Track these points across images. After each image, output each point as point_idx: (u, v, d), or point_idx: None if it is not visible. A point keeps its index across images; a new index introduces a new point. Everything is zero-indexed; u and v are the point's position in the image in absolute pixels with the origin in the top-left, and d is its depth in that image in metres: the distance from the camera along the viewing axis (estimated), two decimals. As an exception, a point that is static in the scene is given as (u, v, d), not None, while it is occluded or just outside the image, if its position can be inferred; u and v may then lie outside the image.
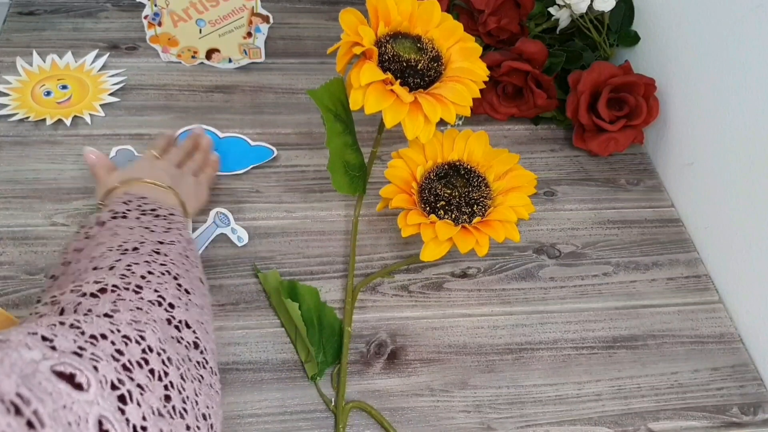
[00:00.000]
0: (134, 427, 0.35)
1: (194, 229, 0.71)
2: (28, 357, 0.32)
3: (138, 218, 0.55)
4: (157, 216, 0.56)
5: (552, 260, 0.74)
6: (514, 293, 0.71)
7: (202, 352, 0.46)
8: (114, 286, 0.44)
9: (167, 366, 0.40)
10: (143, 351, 0.39)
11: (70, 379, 0.33)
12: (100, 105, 0.82)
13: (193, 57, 0.88)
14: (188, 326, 0.46)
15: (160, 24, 0.84)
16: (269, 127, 0.83)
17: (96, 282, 0.44)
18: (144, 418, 0.35)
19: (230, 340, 0.65)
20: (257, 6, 0.82)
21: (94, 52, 0.87)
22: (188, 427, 0.40)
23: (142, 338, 0.40)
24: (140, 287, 0.45)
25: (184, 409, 0.40)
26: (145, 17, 0.83)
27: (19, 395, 0.30)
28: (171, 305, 0.46)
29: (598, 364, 0.67)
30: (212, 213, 0.73)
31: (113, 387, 0.35)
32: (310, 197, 0.77)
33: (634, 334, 0.69)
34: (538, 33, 0.88)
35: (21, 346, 0.33)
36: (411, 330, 0.67)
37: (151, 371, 0.39)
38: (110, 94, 0.83)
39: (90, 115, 0.80)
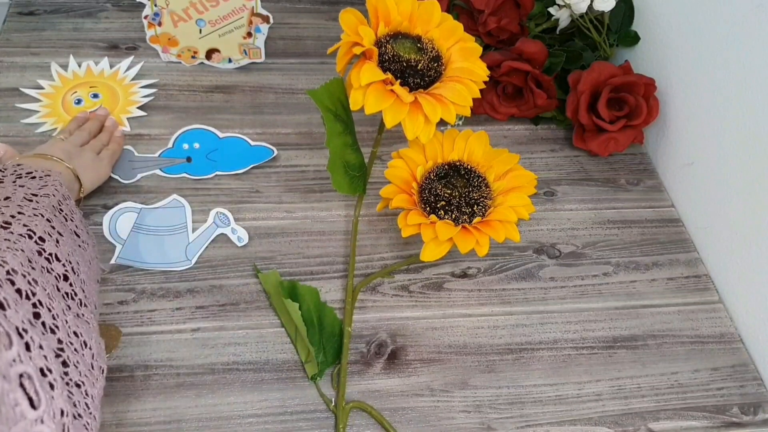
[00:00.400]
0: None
1: (194, 229, 0.71)
2: None
3: (14, 182, 0.56)
4: (33, 177, 0.57)
5: (552, 260, 0.74)
6: (514, 293, 0.71)
7: (71, 284, 0.48)
8: None
9: (33, 286, 0.42)
10: (8, 273, 0.41)
11: None
12: (128, 118, 0.81)
13: (193, 57, 0.88)
14: (58, 259, 0.48)
15: (160, 24, 0.84)
16: (269, 127, 0.83)
17: None
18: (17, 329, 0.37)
19: (230, 340, 0.65)
20: (257, 6, 0.82)
21: (129, 59, 0.87)
22: (60, 341, 0.42)
23: (4, 261, 0.42)
24: (8, 223, 0.47)
25: (55, 326, 0.42)
26: (145, 17, 0.83)
27: None
28: (41, 239, 0.48)
29: (598, 364, 0.67)
30: (212, 213, 0.73)
31: None
32: (310, 197, 0.77)
33: (634, 334, 0.69)
34: (538, 33, 0.88)
35: None
36: (411, 330, 0.67)
37: (18, 290, 0.40)
38: (139, 107, 0.82)
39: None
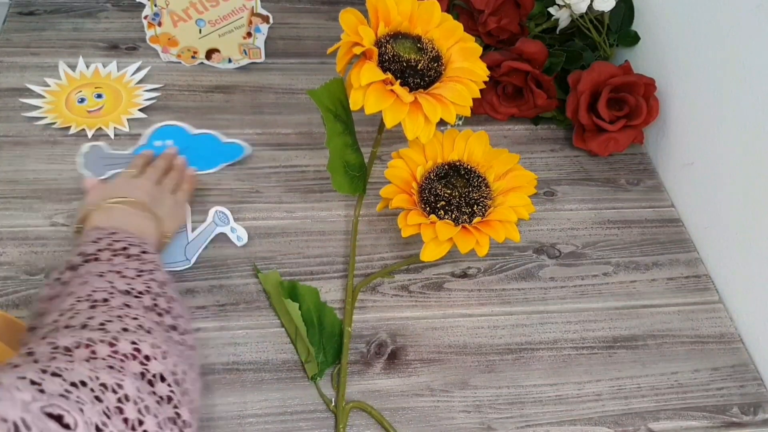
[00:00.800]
0: None
1: (194, 228, 0.71)
2: (19, 398, 0.34)
3: (110, 260, 0.53)
4: (129, 257, 0.54)
5: (552, 260, 0.74)
6: (514, 293, 0.71)
7: (175, 407, 0.45)
8: (89, 339, 0.44)
9: (143, 415, 0.41)
10: (119, 400, 0.40)
11: (58, 419, 0.35)
12: (128, 119, 0.81)
13: (192, 57, 0.88)
14: (163, 379, 0.45)
15: (159, 24, 0.84)
16: (269, 127, 0.83)
17: (71, 336, 0.44)
18: None
19: (230, 341, 0.65)
20: (257, 6, 0.82)
21: (137, 63, 0.87)
22: None
23: (120, 386, 0.41)
24: (116, 339, 0.45)
25: None
26: (145, 17, 0.83)
27: (23, 420, 0.33)
28: (147, 357, 0.45)
29: (598, 364, 0.67)
30: (211, 212, 0.72)
31: (97, 429, 0.37)
32: (310, 197, 0.77)
33: (634, 334, 0.69)
34: (538, 33, 0.88)
35: (12, 388, 0.35)
36: (411, 330, 0.67)
37: (125, 420, 0.39)
38: (140, 110, 0.82)
39: (114, 128, 0.80)
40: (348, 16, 0.58)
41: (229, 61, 0.88)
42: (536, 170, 0.82)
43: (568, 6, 0.82)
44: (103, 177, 0.73)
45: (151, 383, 0.44)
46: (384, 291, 0.70)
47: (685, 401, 0.65)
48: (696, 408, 0.65)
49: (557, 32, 0.88)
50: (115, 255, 0.54)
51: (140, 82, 0.85)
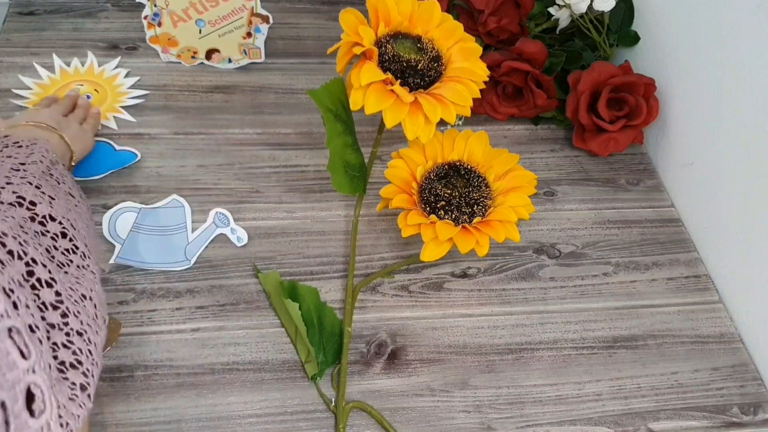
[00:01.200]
0: None
1: (194, 229, 0.71)
2: None
3: (0, 151, 0.56)
4: (19, 146, 0.57)
5: (552, 260, 0.74)
6: (514, 293, 0.71)
7: (71, 240, 0.49)
8: None
9: (25, 246, 0.42)
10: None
11: None
12: (124, 118, 0.81)
13: (192, 57, 0.88)
14: (53, 219, 0.49)
15: (159, 24, 0.84)
16: (269, 127, 0.83)
17: None
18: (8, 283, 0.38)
19: (230, 340, 0.65)
20: (257, 6, 0.82)
21: (126, 72, 0.87)
22: (59, 293, 0.43)
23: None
24: None
25: (52, 279, 0.43)
26: (145, 17, 0.83)
27: None
28: (32, 203, 0.49)
29: (598, 364, 0.67)
30: (212, 213, 0.73)
31: None
32: (310, 197, 0.77)
33: (634, 334, 0.69)
34: (538, 33, 0.88)
35: None
36: (411, 330, 0.67)
37: (10, 252, 0.41)
38: (125, 107, 0.83)
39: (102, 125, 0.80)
40: (348, 16, 0.58)
41: (229, 61, 0.88)
42: (536, 170, 0.82)
43: (568, 6, 0.82)
44: None
45: (42, 224, 0.48)
46: (384, 291, 0.70)
47: (685, 401, 0.65)
48: (696, 408, 0.65)
49: (557, 32, 0.88)
50: (6, 147, 0.57)
51: (127, 77, 0.86)
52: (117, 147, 0.78)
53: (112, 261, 0.68)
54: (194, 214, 0.73)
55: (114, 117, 0.81)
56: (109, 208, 0.72)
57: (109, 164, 0.76)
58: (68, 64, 0.86)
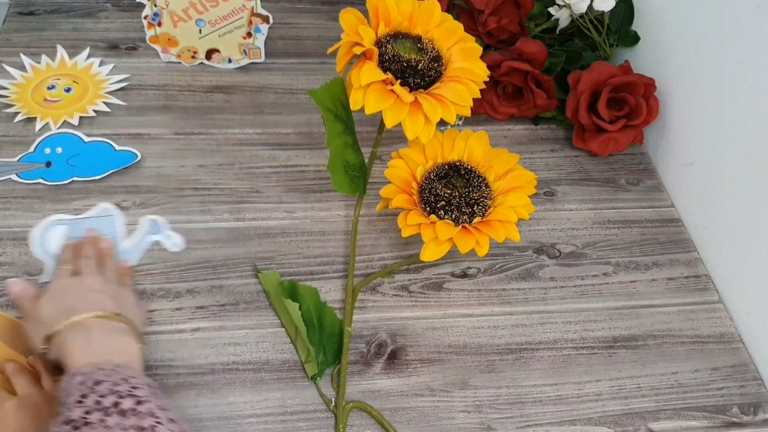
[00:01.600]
0: None
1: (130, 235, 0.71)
2: None
3: (103, 421, 0.46)
4: (123, 413, 0.47)
5: (552, 260, 0.74)
6: (514, 293, 0.71)
7: None
8: None
9: None
10: None
11: None
12: (93, 109, 0.81)
13: (192, 57, 0.88)
14: None
15: (159, 24, 0.84)
16: (269, 127, 0.83)
17: None
18: None
19: (230, 341, 0.65)
20: (257, 6, 0.82)
21: (99, 62, 0.87)
22: None
23: None
24: None
25: None
26: (145, 17, 0.83)
27: None
28: None
29: (598, 364, 0.67)
30: (143, 221, 0.71)
31: None
32: (310, 197, 0.77)
33: (634, 334, 0.69)
34: (538, 33, 0.88)
35: None
36: (411, 330, 0.67)
37: None
38: (106, 102, 0.82)
39: (79, 116, 0.80)
40: (348, 16, 0.58)
41: (229, 61, 0.88)
42: (536, 170, 0.82)
43: (568, 6, 0.82)
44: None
45: None
46: (384, 291, 0.70)
47: (685, 401, 0.65)
48: (696, 408, 0.65)
49: (557, 32, 0.88)
50: (107, 416, 0.47)
51: (109, 72, 0.86)
52: (117, 147, 0.77)
53: (44, 280, 0.66)
54: (193, 213, 0.73)
55: (104, 103, 0.82)
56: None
57: (110, 164, 0.76)
58: (38, 62, 0.85)
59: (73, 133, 0.78)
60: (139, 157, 0.77)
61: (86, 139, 0.78)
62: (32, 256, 0.68)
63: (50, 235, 0.69)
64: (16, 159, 0.75)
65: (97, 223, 0.71)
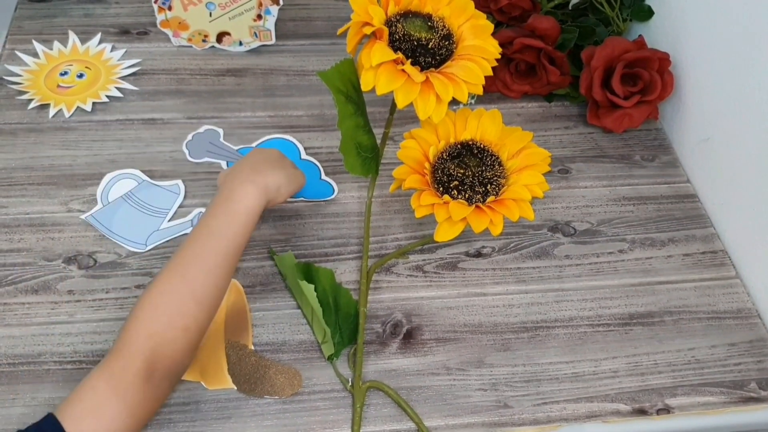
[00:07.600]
0: None
1: (175, 217, 0.72)
2: None
3: None
4: None
5: (567, 238, 0.74)
6: (529, 272, 0.71)
7: None
8: None
9: None
10: None
11: None
12: (106, 95, 0.82)
13: (203, 41, 0.88)
14: None
15: (170, 8, 0.84)
16: (281, 109, 0.83)
17: None
18: None
19: (247, 323, 0.65)
20: (267, -12, 0.82)
21: (111, 47, 0.87)
22: None
23: None
24: None
25: None
26: (155, 2, 0.83)
27: None
28: None
29: (614, 341, 0.67)
30: (195, 212, 0.72)
31: None
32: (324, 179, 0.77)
33: (651, 310, 0.69)
34: (550, 9, 0.87)
35: None
36: (426, 310, 0.68)
37: None
38: (118, 87, 0.83)
39: (93, 102, 0.81)
40: (358, -4, 0.57)
41: (240, 44, 0.88)
42: (550, 148, 0.81)
43: (580, -19, 0.81)
44: (198, 161, 0.76)
45: None
46: (398, 271, 0.70)
47: (702, 377, 0.65)
48: (713, 384, 0.64)
49: (570, 8, 0.87)
50: None
51: (121, 57, 0.87)
52: (322, 176, 0.76)
53: (84, 217, 0.70)
54: (208, 197, 0.73)
55: (117, 88, 0.82)
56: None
57: (311, 193, 0.74)
58: (50, 48, 0.86)
59: (293, 142, 0.79)
60: (335, 194, 0.76)
61: (303, 155, 0.78)
62: (49, 242, 0.69)
63: (117, 184, 0.73)
64: (236, 148, 0.77)
65: (162, 193, 0.73)
